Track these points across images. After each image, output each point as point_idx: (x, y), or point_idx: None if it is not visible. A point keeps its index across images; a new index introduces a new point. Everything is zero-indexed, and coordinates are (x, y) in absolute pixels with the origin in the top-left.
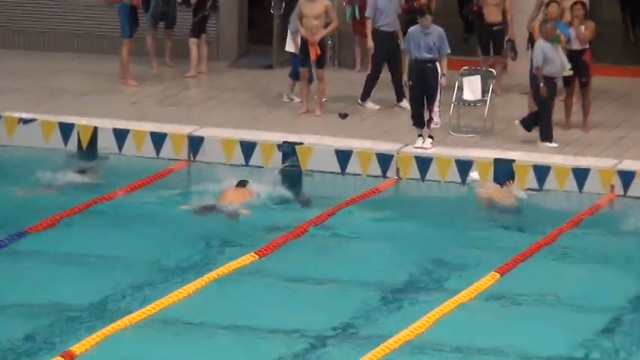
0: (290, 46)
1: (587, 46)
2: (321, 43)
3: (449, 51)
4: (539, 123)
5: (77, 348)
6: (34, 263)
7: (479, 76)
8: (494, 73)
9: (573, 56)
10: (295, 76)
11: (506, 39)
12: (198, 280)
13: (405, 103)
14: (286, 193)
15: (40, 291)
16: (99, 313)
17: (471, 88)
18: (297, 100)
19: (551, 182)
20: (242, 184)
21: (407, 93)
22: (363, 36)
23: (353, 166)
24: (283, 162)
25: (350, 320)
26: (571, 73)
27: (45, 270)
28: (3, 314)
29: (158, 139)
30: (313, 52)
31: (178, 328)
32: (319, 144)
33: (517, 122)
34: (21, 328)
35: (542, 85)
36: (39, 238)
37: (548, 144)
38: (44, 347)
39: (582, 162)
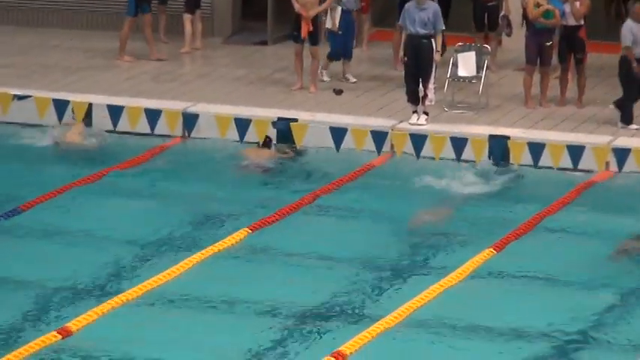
0: (328, 23)
1: (582, 22)
2: (315, 20)
3: (443, 27)
4: (623, 105)
5: (74, 324)
6: (31, 239)
7: (473, 53)
8: (489, 50)
9: (568, 32)
10: (334, 55)
11: (501, 14)
12: (198, 255)
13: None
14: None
15: (37, 267)
16: (97, 291)
17: (466, 64)
18: (326, 79)
19: (546, 159)
20: (267, 144)
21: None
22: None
23: (348, 143)
24: (278, 141)
25: (344, 298)
26: None
27: (41, 246)
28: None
29: (153, 115)
30: (305, 29)
31: (184, 303)
32: (314, 120)
33: (612, 106)
34: (19, 304)
35: (635, 65)
36: (34, 214)
37: (630, 126)
38: (42, 323)
39: (577, 139)
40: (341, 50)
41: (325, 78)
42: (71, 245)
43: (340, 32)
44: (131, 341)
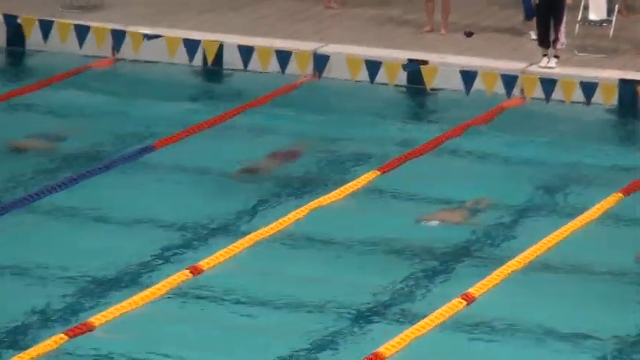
0: None
1: None
2: None
3: None
4: None
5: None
6: (165, 176)
7: None
8: None
9: None
10: (529, 13)
11: None
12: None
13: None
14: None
15: (167, 205)
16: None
17: (597, 7)
18: (533, 36)
19: None
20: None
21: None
22: None
23: (478, 86)
24: (408, 82)
25: (473, 237)
26: None
27: (174, 182)
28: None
29: (283, 56)
30: None
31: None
32: (444, 63)
33: None
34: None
35: None
36: (165, 153)
37: None
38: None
39: None
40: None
41: (532, 35)
42: (198, 184)
43: None
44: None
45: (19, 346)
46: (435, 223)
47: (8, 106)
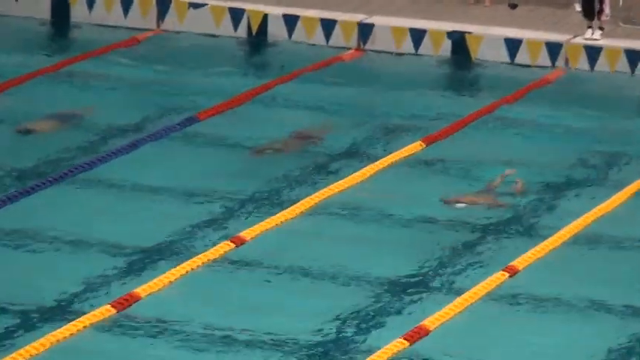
0: None
1: None
2: None
3: None
4: None
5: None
6: (207, 147)
7: None
8: None
9: None
10: None
11: None
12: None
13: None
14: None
15: (213, 178)
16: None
17: None
18: (577, 8)
19: None
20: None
21: None
22: None
23: (522, 56)
24: (453, 52)
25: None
26: None
27: (215, 154)
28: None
29: (328, 26)
30: None
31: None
32: (488, 33)
33: None
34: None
35: None
36: (209, 124)
37: None
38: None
39: None
40: None
41: (577, 8)
42: (244, 154)
43: None
44: None
45: (73, 314)
46: (478, 195)
47: (57, 76)
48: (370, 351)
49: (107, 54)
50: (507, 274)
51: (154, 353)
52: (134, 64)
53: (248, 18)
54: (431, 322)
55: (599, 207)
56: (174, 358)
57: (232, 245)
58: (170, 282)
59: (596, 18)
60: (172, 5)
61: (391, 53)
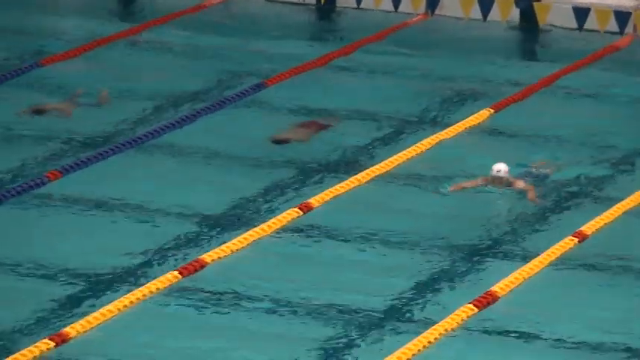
0: None
1: None
2: None
3: None
4: None
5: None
6: (277, 113)
7: None
8: None
9: None
10: None
11: None
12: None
13: None
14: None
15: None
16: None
17: None
18: None
19: None
20: None
21: None
22: None
23: (590, 23)
24: (521, 20)
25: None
26: None
27: (286, 118)
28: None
29: None
30: None
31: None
32: (557, 0)
33: None
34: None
35: None
36: (276, 90)
37: None
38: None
39: None
40: None
41: None
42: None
43: None
44: None
45: (137, 282)
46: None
47: (127, 42)
48: (440, 316)
49: (179, 19)
50: (576, 239)
51: (219, 321)
52: (203, 32)
53: None
54: (500, 288)
55: None
56: (238, 325)
57: (300, 212)
58: (237, 249)
59: None
60: None
61: (459, 19)
